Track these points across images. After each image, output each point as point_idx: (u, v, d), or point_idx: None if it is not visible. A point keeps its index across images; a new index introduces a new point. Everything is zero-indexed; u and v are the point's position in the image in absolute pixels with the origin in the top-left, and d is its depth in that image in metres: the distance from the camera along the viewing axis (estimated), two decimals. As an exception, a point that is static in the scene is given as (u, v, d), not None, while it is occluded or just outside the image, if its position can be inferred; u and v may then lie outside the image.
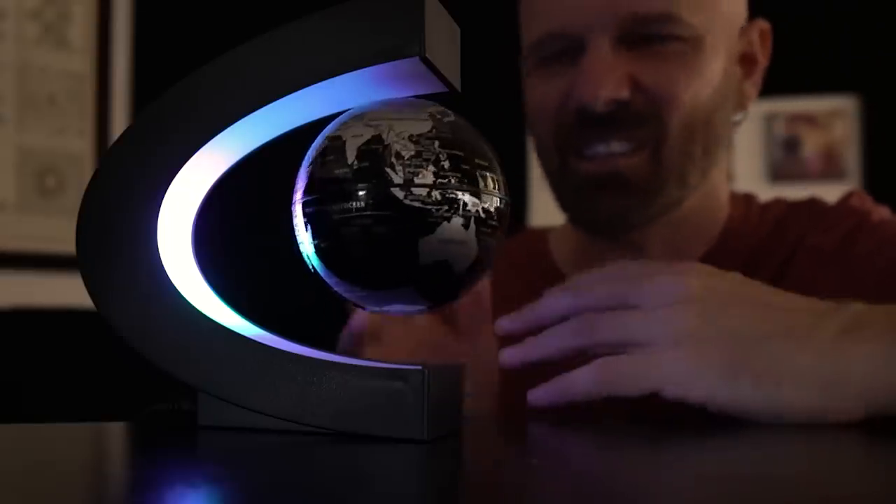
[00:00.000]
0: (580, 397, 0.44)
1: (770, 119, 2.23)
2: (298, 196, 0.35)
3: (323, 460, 0.32)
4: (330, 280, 0.36)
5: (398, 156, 0.33)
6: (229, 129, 0.37)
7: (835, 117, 2.20)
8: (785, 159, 2.25)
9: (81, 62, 1.80)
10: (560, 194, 0.68)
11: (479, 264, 0.35)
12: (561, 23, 0.62)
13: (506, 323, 0.49)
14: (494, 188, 0.34)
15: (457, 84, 0.38)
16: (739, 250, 0.67)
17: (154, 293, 0.37)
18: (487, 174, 0.34)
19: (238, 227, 1.33)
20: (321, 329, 0.68)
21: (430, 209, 0.33)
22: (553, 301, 0.47)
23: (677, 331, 0.43)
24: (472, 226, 0.33)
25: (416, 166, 0.33)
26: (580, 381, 0.44)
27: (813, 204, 0.70)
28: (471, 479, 0.30)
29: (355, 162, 0.33)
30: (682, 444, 0.39)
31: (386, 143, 0.33)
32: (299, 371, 0.36)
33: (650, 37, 0.60)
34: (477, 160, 0.34)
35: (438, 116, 0.34)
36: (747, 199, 0.72)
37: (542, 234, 0.77)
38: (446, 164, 0.33)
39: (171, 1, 1.85)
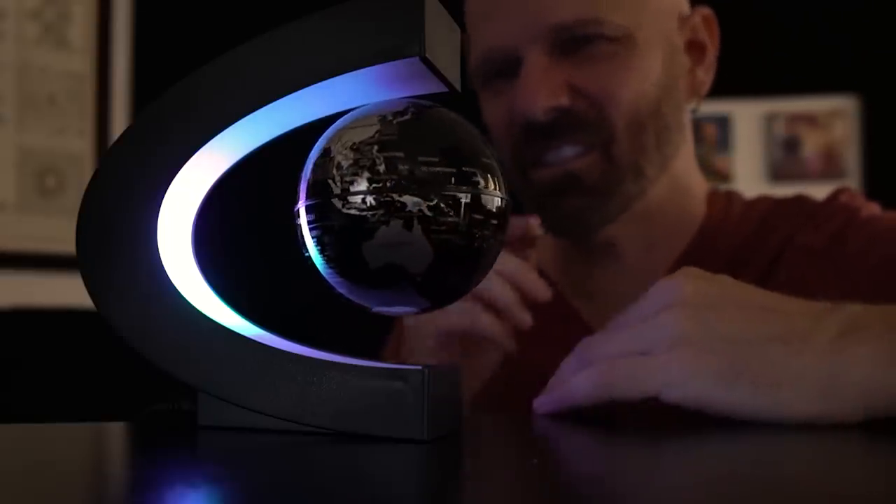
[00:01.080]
0: (581, 403, 0.44)
1: (770, 119, 2.23)
2: (301, 197, 0.35)
3: (323, 460, 0.32)
4: (332, 279, 0.36)
5: (339, 167, 0.34)
6: (229, 129, 0.37)
7: (835, 117, 2.20)
8: (785, 159, 2.25)
9: (81, 62, 1.80)
10: (528, 206, 0.69)
11: (478, 263, 0.35)
12: (495, 40, 0.64)
13: (542, 407, 0.48)
14: (458, 183, 0.34)
15: (457, 84, 0.38)
16: (721, 248, 0.67)
17: (154, 293, 0.37)
18: (445, 170, 0.34)
19: (238, 227, 1.33)
20: (321, 329, 0.68)
21: (366, 215, 0.33)
22: (579, 385, 0.46)
23: (673, 335, 0.43)
24: (417, 226, 0.33)
25: (353, 174, 0.33)
26: (580, 388, 0.44)
27: (801, 201, 0.70)
28: (471, 479, 0.30)
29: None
30: (682, 445, 0.39)
31: (331, 155, 0.34)
32: (299, 371, 0.36)
33: (579, 41, 0.61)
34: (424, 158, 0.33)
35: (390, 118, 0.34)
36: (728, 196, 0.72)
37: None
38: (381, 169, 0.33)
39: (171, 1, 1.85)
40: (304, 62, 0.36)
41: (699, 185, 0.71)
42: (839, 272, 0.62)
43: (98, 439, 0.39)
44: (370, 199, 0.33)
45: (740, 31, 0.67)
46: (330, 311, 0.66)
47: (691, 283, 0.45)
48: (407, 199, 0.33)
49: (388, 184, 0.33)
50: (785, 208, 0.69)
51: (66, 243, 1.69)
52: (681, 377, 0.42)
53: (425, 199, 0.33)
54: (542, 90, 0.61)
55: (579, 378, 0.44)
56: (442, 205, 0.33)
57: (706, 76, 0.69)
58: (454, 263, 0.34)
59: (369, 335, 0.75)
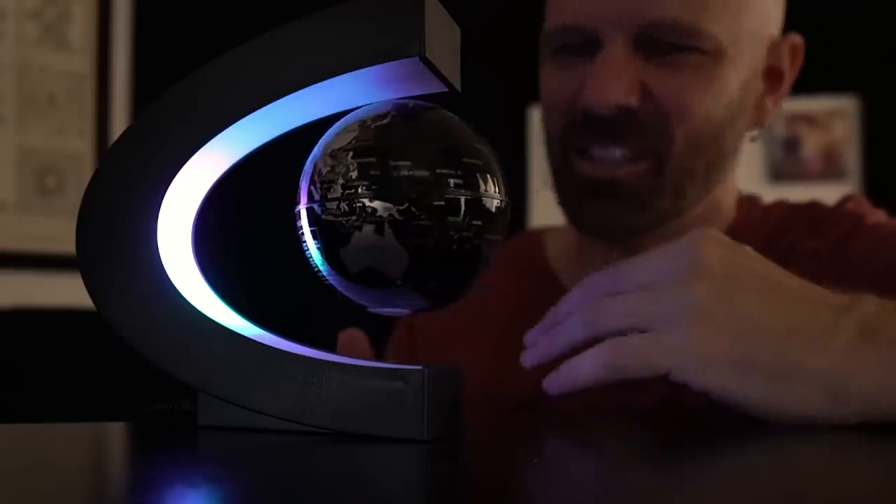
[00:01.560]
0: (590, 382, 0.43)
1: (770, 119, 2.22)
2: (302, 199, 0.35)
3: (323, 460, 0.32)
4: (332, 279, 0.36)
5: (319, 173, 0.35)
6: (229, 129, 0.37)
7: (835, 117, 2.20)
8: (785, 159, 2.25)
9: (81, 62, 1.80)
10: (559, 190, 0.67)
11: (466, 264, 0.35)
12: (578, 16, 0.60)
13: (529, 356, 0.47)
14: (432, 187, 0.33)
15: (457, 84, 0.38)
16: None
17: (154, 293, 0.37)
18: (418, 173, 0.33)
19: (238, 227, 1.33)
20: (321, 329, 0.68)
21: (341, 220, 0.34)
22: (587, 365, 0.44)
23: (689, 307, 0.41)
24: (389, 230, 0.33)
25: (330, 181, 0.34)
26: (586, 366, 0.43)
27: (813, 208, 0.68)
28: (471, 479, 0.30)
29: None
30: (682, 445, 0.39)
31: (316, 161, 0.35)
32: (299, 371, 0.36)
33: (667, 45, 0.58)
34: (396, 162, 0.33)
35: (369, 123, 0.34)
36: (751, 202, 0.70)
37: (538, 234, 0.77)
38: (354, 175, 0.33)
39: (171, 1, 1.85)
40: (304, 62, 0.36)
41: (731, 199, 0.69)
42: (843, 277, 0.62)
43: (98, 439, 0.39)
44: (343, 205, 0.34)
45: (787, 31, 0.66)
46: (330, 311, 0.66)
47: (715, 251, 0.43)
48: (377, 204, 0.33)
49: (360, 189, 0.33)
50: (798, 214, 0.68)
51: (66, 243, 1.68)
52: (695, 363, 0.41)
53: (419, 200, 0.33)
54: (616, 85, 0.58)
55: (587, 357, 0.43)
56: (413, 209, 0.33)
57: (774, 107, 0.66)
58: (436, 266, 0.34)
59: (369, 335, 0.75)
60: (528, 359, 0.46)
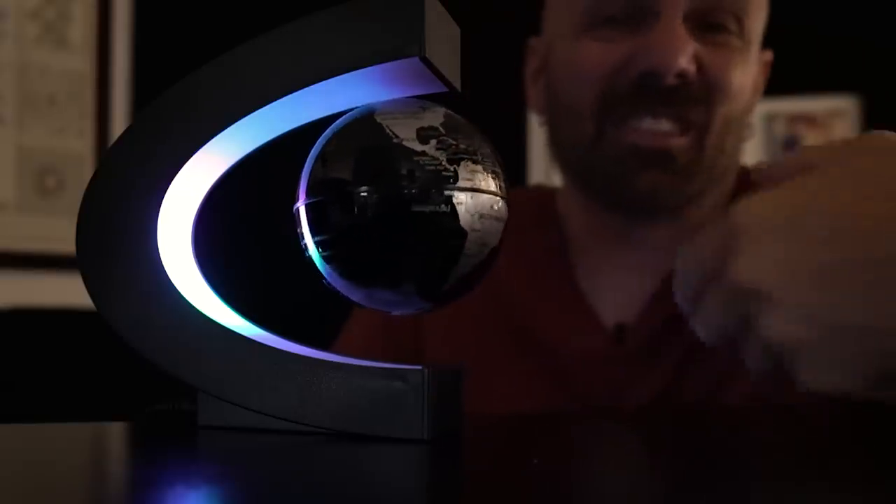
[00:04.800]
0: (715, 334, 0.39)
1: (770, 119, 2.23)
2: (301, 197, 0.35)
3: (323, 460, 0.32)
4: (335, 281, 0.36)
5: (337, 167, 0.34)
6: (229, 129, 0.37)
7: (835, 117, 2.20)
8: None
9: (81, 62, 1.80)
10: (590, 168, 0.66)
11: (478, 263, 0.35)
12: None
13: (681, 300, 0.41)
14: (455, 183, 0.34)
15: (457, 84, 0.38)
16: None
17: (154, 293, 0.37)
18: (442, 169, 0.34)
19: (238, 227, 1.33)
20: (321, 329, 0.68)
21: (361, 215, 0.33)
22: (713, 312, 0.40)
23: (782, 267, 0.36)
24: (411, 225, 0.33)
25: (330, 178, 0.34)
26: (714, 316, 0.39)
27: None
28: (471, 479, 0.30)
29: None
30: (683, 446, 0.39)
31: (331, 155, 0.35)
32: (299, 371, 0.36)
33: (716, 25, 0.62)
34: (422, 159, 0.33)
35: (372, 119, 0.35)
36: (741, 176, 0.70)
37: (550, 192, 0.76)
38: (354, 171, 0.34)
39: (171, 1, 1.85)
40: (304, 62, 0.36)
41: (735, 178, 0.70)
42: None
43: (98, 439, 0.39)
44: (364, 199, 0.33)
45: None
46: (330, 311, 0.66)
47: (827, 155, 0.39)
48: (377, 200, 0.33)
49: (360, 186, 0.33)
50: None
51: (66, 243, 1.69)
52: (829, 370, 0.35)
53: (420, 199, 0.33)
54: (681, 52, 0.60)
55: (714, 301, 0.39)
56: (437, 205, 0.33)
57: (752, 113, 0.70)
58: (450, 263, 0.34)
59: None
60: (680, 298, 0.41)
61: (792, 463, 0.33)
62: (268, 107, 0.36)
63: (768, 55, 0.69)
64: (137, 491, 0.26)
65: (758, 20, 0.64)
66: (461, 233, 0.34)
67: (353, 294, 0.36)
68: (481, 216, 0.34)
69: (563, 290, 0.69)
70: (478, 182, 0.34)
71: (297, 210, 0.36)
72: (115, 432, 0.40)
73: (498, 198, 0.35)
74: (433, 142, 0.33)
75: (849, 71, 2.06)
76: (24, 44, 1.75)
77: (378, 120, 0.34)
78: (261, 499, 0.24)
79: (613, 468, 0.33)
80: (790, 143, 2.24)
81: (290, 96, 0.36)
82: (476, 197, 0.34)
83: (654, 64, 0.60)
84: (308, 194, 0.35)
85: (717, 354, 0.63)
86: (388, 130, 0.34)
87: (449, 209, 0.33)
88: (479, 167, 0.34)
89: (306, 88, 0.36)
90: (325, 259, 0.35)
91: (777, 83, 0.74)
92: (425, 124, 0.34)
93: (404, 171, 0.33)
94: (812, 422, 0.46)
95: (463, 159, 0.34)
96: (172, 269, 0.38)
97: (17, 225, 1.73)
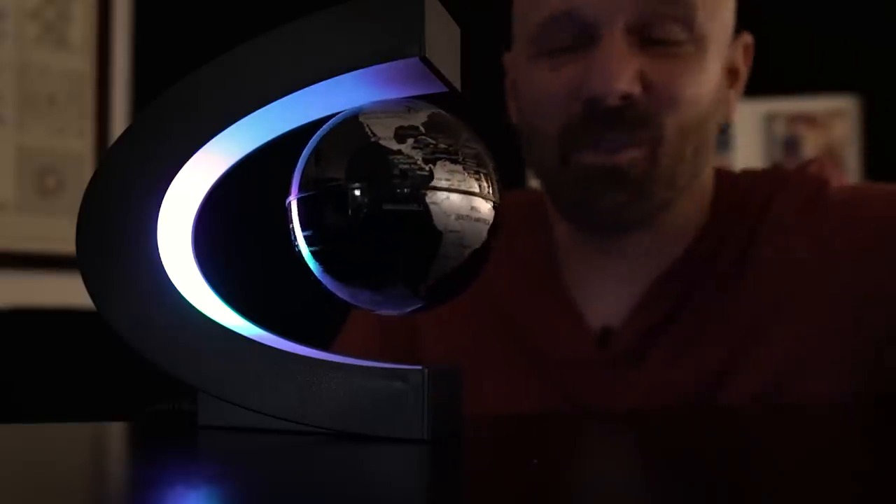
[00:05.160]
0: None
1: (770, 119, 2.23)
2: (293, 192, 0.35)
3: (323, 460, 0.32)
4: (323, 278, 0.36)
5: (330, 164, 0.34)
6: (229, 129, 0.37)
7: (835, 117, 2.20)
8: (785, 159, 2.25)
9: (81, 62, 1.80)
10: (557, 191, 0.67)
11: (470, 262, 0.35)
12: (571, 5, 0.61)
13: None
14: (445, 183, 0.34)
15: (457, 84, 0.38)
16: (716, 234, 0.66)
17: (154, 293, 0.37)
18: (432, 170, 0.34)
19: (238, 227, 1.33)
20: (321, 329, 0.68)
21: (352, 213, 0.33)
22: None
23: None
24: (402, 224, 0.33)
25: (322, 175, 0.34)
26: None
27: (775, 170, 0.70)
28: (471, 479, 0.30)
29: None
30: (683, 446, 0.39)
31: (324, 152, 0.34)
32: (299, 371, 0.36)
33: (661, 41, 0.60)
34: (411, 159, 0.33)
35: (365, 119, 0.34)
36: (720, 175, 0.70)
37: (542, 194, 0.76)
38: (346, 169, 0.33)
39: (171, 1, 1.85)
40: (304, 62, 0.36)
41: (710, 178, 0.70)
42: (815, 244, 0.62)
43: (98, 439, 0.39)
44: (340, 197, 0.33)
45: (740, 30, 0.67)
46: (330, 311, 0.66)
47: None
48: (369, 199, 0.33)
49: (353, 184, 0.33)
50: (762, 178, 0.69)
51: (66, 243, 1.68)
52: None
53: (392, 198, 0.33)
54: (622, 74, 0.59)
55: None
56: (409, 204, 0.33)
57: (735, 100, 0.68)
58: (427, 264, 0.34)
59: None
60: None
61: (792, 463, 0.33)
62: (268, 107, 0.36)
63: (747, 38, 0.68)
64: (137, 491, 0.26)
65: (716, 16, 0.62)
66: (436, 233, 0.33)
67: (340, 292, 0.36)
68: (458, 217, 0.34)
69: (551, 293, 0.69)
70: (456, 182, 0.33)
71: (289, 203, 0.36)
72: (115, 432, 0.40)
73: (479, 199, 0.34)
74: (410, 140, 0.33)
75: (849, 71, 2.06)
76: (24, 44, 1.75)
77: (360, 119, 0.34)
78: (261, 499, 0.24)
79: (613, 468, 0.33)
80: (790, 143, 2.24)
81: (289, 96, 0.36)
82: (454, 197, 0.34)
83: (595, 90, 0.59)
84: (298, 190, 0.35)
85: (706, 356, 0.63)
86: (367, 129, 0.34)
87: (422, 208, 0.33)
88: (460, 167, 0.34)
89: (306, 88, 0.36)
90: (314, 255, 0.35)
91: (777, 83, 0.74)
92: (406, 123, 0.34)
93: (378, 170, 0.33)
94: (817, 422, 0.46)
95: (440, 159, 0.33)
96: (172, 269, 0.38)
97: (17, 225, 1.73)
